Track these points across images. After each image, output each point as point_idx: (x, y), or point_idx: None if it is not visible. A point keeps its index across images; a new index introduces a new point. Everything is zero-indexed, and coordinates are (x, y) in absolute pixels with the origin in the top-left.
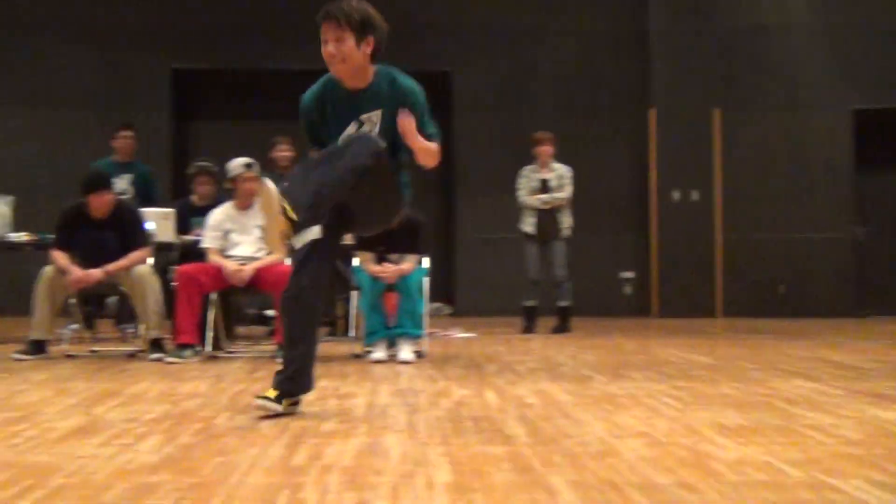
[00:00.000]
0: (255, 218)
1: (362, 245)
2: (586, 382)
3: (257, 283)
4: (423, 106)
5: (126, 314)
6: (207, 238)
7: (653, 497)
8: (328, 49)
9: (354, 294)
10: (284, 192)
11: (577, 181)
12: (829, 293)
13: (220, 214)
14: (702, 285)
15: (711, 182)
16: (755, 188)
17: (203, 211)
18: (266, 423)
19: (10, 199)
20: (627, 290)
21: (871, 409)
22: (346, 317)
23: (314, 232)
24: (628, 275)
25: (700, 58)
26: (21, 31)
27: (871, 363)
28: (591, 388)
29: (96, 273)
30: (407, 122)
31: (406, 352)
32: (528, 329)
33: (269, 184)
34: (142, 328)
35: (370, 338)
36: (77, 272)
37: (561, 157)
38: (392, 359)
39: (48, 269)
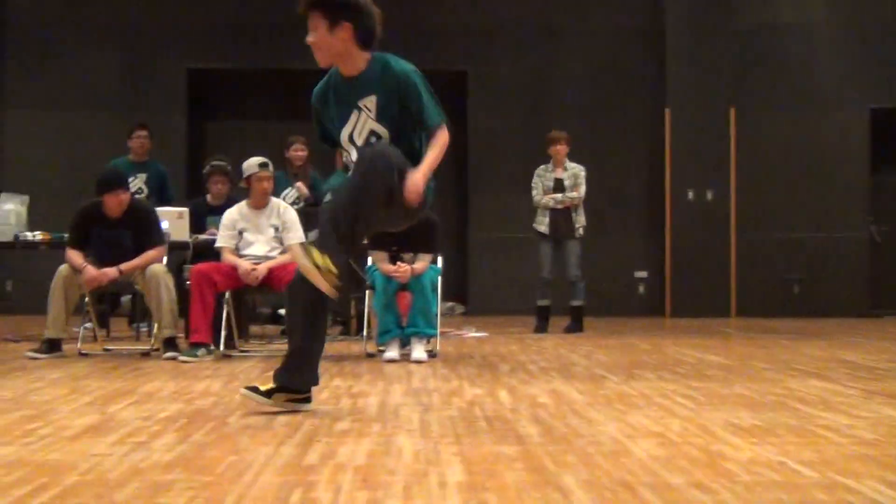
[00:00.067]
0: (270, 217)
1: (376, 244)
2: (599, 382)
3: (271, 283)
4: (420, 89)
5: (140, 313)
6: (221, 237)
7: (666, 497)
8: (307, 39)
9: (368, 293)
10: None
11: (592, 180)
12: (845, 293)
13: (234, 213)
14: (716, 285)
15: (726, 181)
16: (770, 187)
17: (218, 210)
18: (279, 422)
19: (25, 198)
20: (641, 289)
21: (886, 410)
22: (359, 316)
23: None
24: (642, 274)
25: (716, 57)
26: (37, 33)
27: (887, 363)
28: (605, 387)
29: (111, 272)
30: (413, 189)
31: (419, 351)
32: (542, 328)
33: (296, 249)
34: (155, 327)
35: (383, 337)
36: (92, 271)
37: (575, 157)
38: (405, 358)
39: (63, 268)
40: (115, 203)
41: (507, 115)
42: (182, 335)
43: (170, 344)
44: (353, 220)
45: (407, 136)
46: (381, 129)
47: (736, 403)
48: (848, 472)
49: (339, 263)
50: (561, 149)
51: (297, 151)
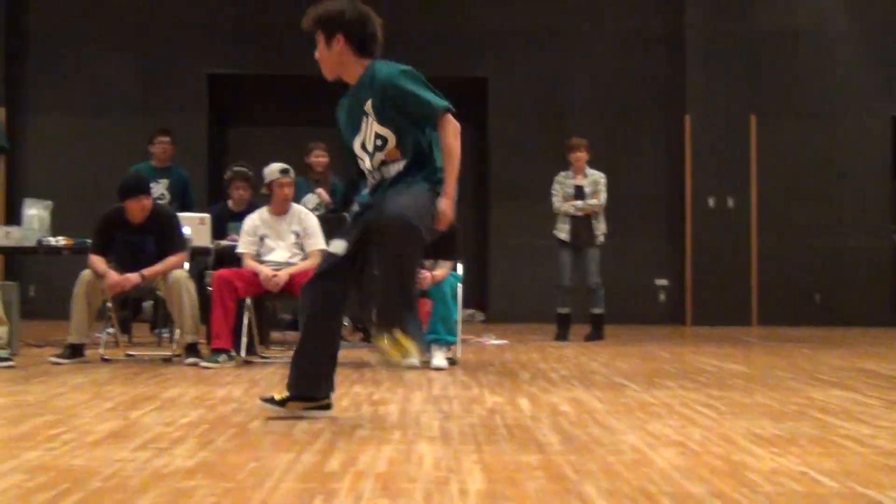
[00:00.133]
0: (291, 223)
1: None
2: (620, 391)
3: (292, 289)
4: (407, 88)
5: (161, 318)
6: (242, 243)
7: None
8: (315, 54)
9: None
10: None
11: (612, 188)
12: (867, 302)
13: (255, 219)
14: (737, 293)
15: (747, 189)
16: (791, 195)
17: (239, 216)
18: (300, 429)
19: (49, 203)
20: (662, 297)
21: None
22: None
23: (338, 246)
24: (663, 282)
25: (736, 63)
26: (59, 38)
27: None
28: (625, 396)
29: (133, 277)
30: (444, 220)
31: (439, 358)
32: (562, 336)
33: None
34: (177, 333)
35: None
36: (114, 276)
37: (596, 164)
38: (425, 365)
39: (86, 274)
40: (137, 209)
41: (527, 122)
42: (203, 341)
43: (191, 350)
44: (406, 294)
45: (412, 135)
46: (385, 132)
47: (757, 413)
48: (870, 483)
49: (413, 332)
50: (581, 156)
51: (318, 157)
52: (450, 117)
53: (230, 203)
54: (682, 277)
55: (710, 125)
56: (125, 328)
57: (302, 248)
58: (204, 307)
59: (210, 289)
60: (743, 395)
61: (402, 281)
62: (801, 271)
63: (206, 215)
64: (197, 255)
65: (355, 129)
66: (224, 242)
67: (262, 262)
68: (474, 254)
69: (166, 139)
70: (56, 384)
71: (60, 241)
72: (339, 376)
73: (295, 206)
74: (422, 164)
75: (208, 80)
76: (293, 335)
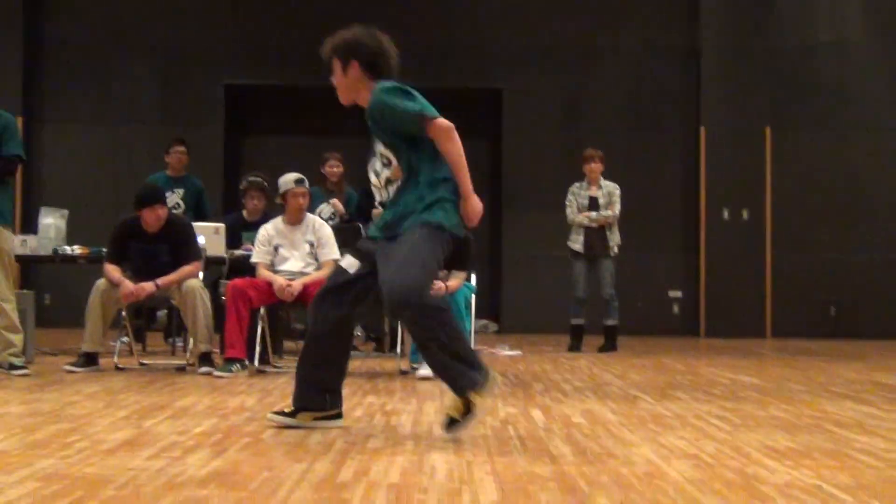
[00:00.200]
0: (305, 233)
1: None
2: (633, 402)
3: (305, 299)
4: (387, 104)
5: (175, 328)
6: (256, 253)
7: None
8: (332, 80)
9: None
10: None
11: (627, 199)
12: (882, 315)
13: (269, 229)
14: (751, 305)
15: (762, 201)
16: (806, 208)
17: (253, 226)
18: (313, 439)
19: (65, 212)
20: (676, 309)
21: None
22: (392, 333)
23: (350, 264)
24: (676, 294)
25: (751, 76)
26: (77, 48)
27: None
28: (638, 408)
29: (148, 286)
30: (474, 216)
31: None
32: (575, 347)
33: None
34: (191, 342)
35: (416, 355)
36: (129, 285)
37: (610, 175)
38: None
39: (101, 283)
40: (152, 218)
41: (541, 133)
42: (217, 350)
43: (205, 359)
44: (456, 360)
45: (406, 154)
46: (387, 152)
47: (771, 425)
48: (885, 497)
49: (485, 386)
50: (596, 167)
51: (333, 167)
52: (437, 121)
53: (245, 213)
54: (697, 289)
55: (725, 137)
56: (139, 337)
57: (316, 258)
58: (218, 316)
59: (224, 298)
60: (757, 408)
61: (444, 356)
62: (815, 283)
63: (221, 225)
64: (211, 264)
65: (372, 152)
66: (238, 252)
67: (276, 272)
68: (488, 264)
69: (182, 149)
70: (70, 392)
71: (76, 249)
72: (353, 386)
73: (309, 216)
74: (415, 183)
75: (225, 90)
76: None
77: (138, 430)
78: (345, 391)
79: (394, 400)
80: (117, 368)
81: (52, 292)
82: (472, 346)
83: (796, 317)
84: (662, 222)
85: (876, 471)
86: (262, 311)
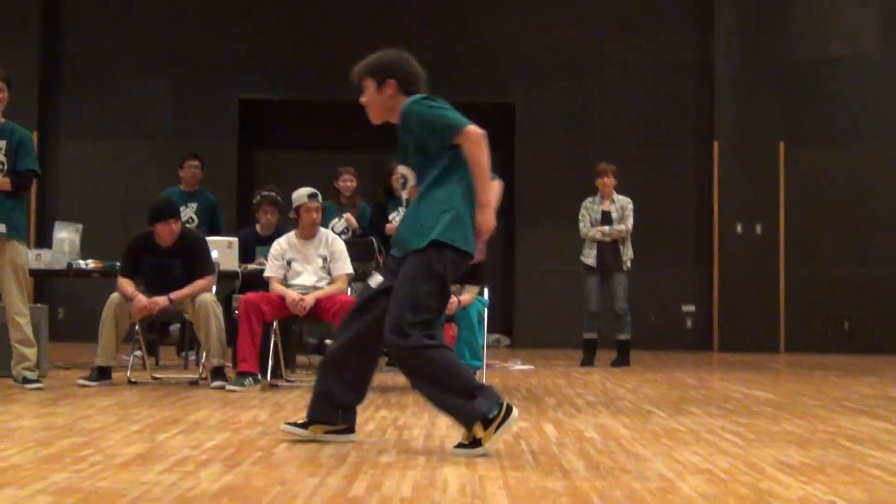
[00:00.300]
0: (318, 247)
1: None
2: (646, 417)
3: (318, 313)
4: (419, 116)
5: (188, 342)
6: (270, 267)
7: None
8: (361, 100)
9: None
10: None
11: (640, 213)
12: None
13: (282, 243)
14: (765, 320)
15: (776, 215)
16: (820, 222)
17: (267, 240)
18: (326, 453)
19: (79, 226)
20: (689, 323)
21: None
22: None
23: (377, 280)
24: (690, 308)
25: (765, 90)
26: (92, 63)
27: None
28: (651, 422)
29: (161, 301)
30: (486, 231)
31: None
32: (588, 362)
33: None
34: (203, 356)
35: None
36: (142, 300)
37: (623, 189)
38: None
39: (114, 297)
40: (166, 232)
41: (554, 147)
42: (230, 364)
43: (217, 373)
44: (452, 396)
45: (424, 172)
46: (406, 171)
47: (785, 440)
48: None
49: (490, 413)
50: (609, 181)
51: (346, 182)
52: (469, 128)
53: (258, 227)
54: (710, 303)
55: (738, 151)
56: (152, 351)
57: (329, 273)
58: (230, 331)
59: (237, 312)
60: (770, 423)
61: (436, 391)
62: (829, 298)
63: (234, 239)
64: (224, 278)
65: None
66: (251, 266)
67: (288, 286)
68: (500, 279)
69: (195, 163)
70: (83, 406)
71: (90, 263)
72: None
73: (322, 230)
74: (425, 199)
75: (239, 104)
76: (319, 359)
77: (151, 444)
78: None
79: (406, 414)
80: (130, 382)
81: (65, 306)
82: (485, 360)
83: (810, 331)
84: (675, 236)
85: (890, 486)
86: (274, 325)
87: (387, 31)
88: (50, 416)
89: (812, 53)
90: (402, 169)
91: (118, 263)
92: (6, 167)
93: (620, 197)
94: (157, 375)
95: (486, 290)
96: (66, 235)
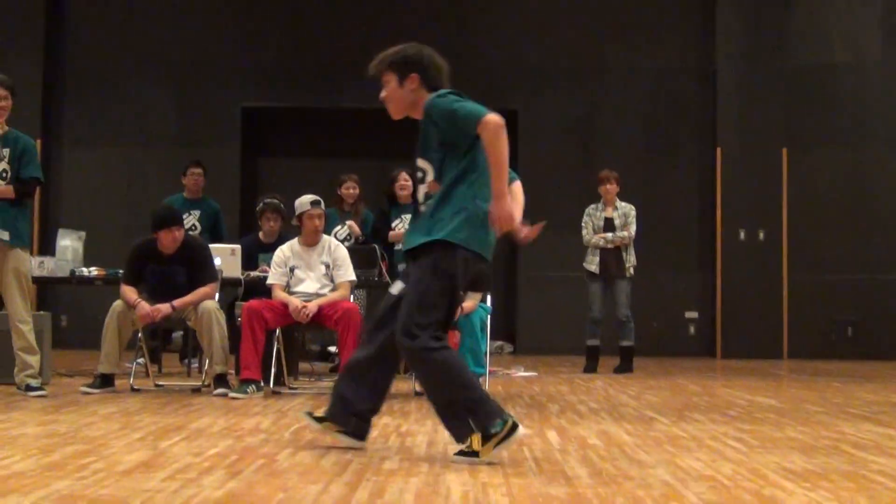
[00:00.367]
0: (321, 254)
1: None
2: (649, 424)
3: (321, 320)
4: (443, 110)
5: (191, 349)
6: (272, 274)
7: None
8: (381, 95)
9: None
10: None
11: (643, 220)
12: None
13: (285, 251)
14: (767, 326)
15: (778, 221)
16: (823, 228)
17: (270, 247)
18: (328, 460)
19: (82, 234)
20: (692, 330)
21: None
22: None
23: (399, 287)
24: (692, 315)
25: (767, 96)
26: (96, 70)
27: None
28: (655, 429)
29: (164, 308)
30: (501, 223)
31: None
32: (591, 368)
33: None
34: (206, 363)
35: None
36: (145, 307)
37: (626, 196)
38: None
39: (117, 304)
40: (169, 240)
41: (557, 154)
42: (232, 371)
43: (220, 380)
44: (455, 406)
45: (446, 167)
46: (424, 164)
47: (788, 447)
48: None
49: (492, 427)
50: (611, 188)
51: (349, 189)
52: (489, 116)
53: (261, 234)
54: (713, 310)
55: (741, 158)
56: (155, 358)
57: (332, 280)
58: (233, 338)
59: (239, 320)
60: (774, 429)
61: (442, 399)
62: (832, 304)
63: (237, 246)
64: (227, 286)
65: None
66: (254, 273)
67: (291, 294)
68: (503, 285)
69: (198, 171)
70: (86, 414)
71: (93, 271)
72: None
73: (325, 237)
74: (442, 196)
75: (242, 112)
76: (321, 366)
77: (154, 452)
78: None
79: (409, 421)
80: (133, 390)
81: (68, 314)
82: (488, 366)
83: (813, 337)
84: (678, 243)
85: (894, 493)
86: (277, 332)
87: (388, 38)
88: (53, 423)
89: (814, 59)
90: (420, 163)
91: (121, 271)
92: (9, 175)
93: (623, 204)
94: (160, 383)
95: (488, 297)
96: (69, 243)
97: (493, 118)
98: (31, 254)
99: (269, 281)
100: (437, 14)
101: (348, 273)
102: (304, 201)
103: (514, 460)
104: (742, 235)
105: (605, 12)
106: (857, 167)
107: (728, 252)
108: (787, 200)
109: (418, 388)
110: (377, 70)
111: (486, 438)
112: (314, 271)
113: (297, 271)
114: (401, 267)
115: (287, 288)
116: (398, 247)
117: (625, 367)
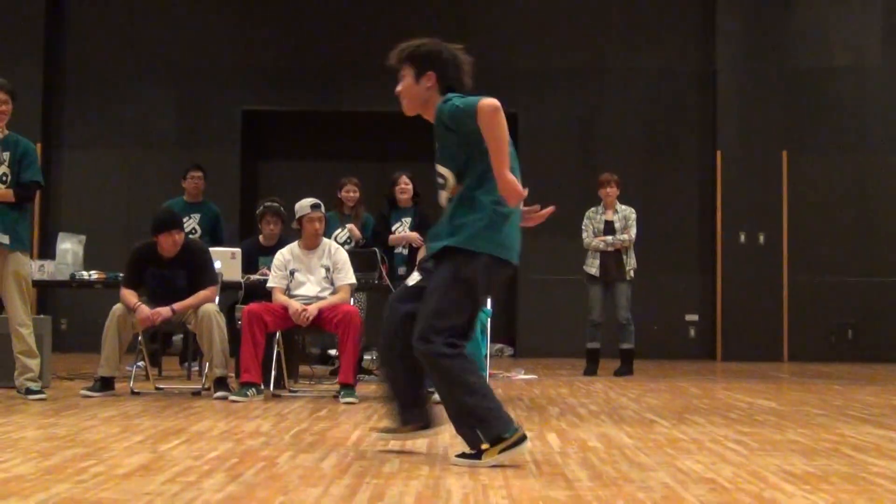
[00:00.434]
0: (321, 258)
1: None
2: (650, 426)
3: (321, 324)
4: (455, 117)
5: (191, 352)
6: (273, 277)
7: None
8: (396, 89)
9: None
10: None
11: (643, 223)
12: None
13: (285, 254)
14: (768, 329)
15: (779, 224)
16: (823, 231)
17: (270, 250)
18: (328, 463)
19: (82, 237)
20: (692, 332)
21: None
22: None
23: (416, 278)
24: (693, 318)
25: (768, 99)
26: (96, 73)
27: None
28: (655, 432)
29: (164, 311)
30: (510, 194)
31: None
32: (591, 371)
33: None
34: (206, 366)
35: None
36: (145, 310)
37: (626, 199)
38: None
39: (117, 308)
40: (169, 243)
41: (557, 157)
42: (232, 375)
43: (220, 383)
44: (467, 414)
45: (466, 171)
46: (443, 170)
47: (789, 450)
48: None
49: (502, 434)
50: (611, 191)
51: (350, 192)
52: (482, 103)
53: (261, 238)
54: (713, 313)
55: (741, 161)
56: (155, 361)
57: (332, 283)
58: (233, 341)
59: (240, 323)
60: (774, 432)
61: (454, 405)
62: (832, 307)
63: (237, 250)
64: (227, 289)
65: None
66: (254, 277)
67: (292, 297)
68: (503, 288)
69: (199, 174)
70: (86, 417)
71: (93, 274)
72: (368, 410)
73: (325, 240)
74: (460, 200)
75: (242, 115)
76: (322, 369)
77: (154, 455)
78: (359, 415)
79: None
80: (133, 393)
81: (68, 317)
82: (488, 369)
83: (813, 340)
84: (678, 246)
85: (894, 496)
86: (277, 335)
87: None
88: (53, 426)
89: (815, 62)
90: (440, 169)
91: (121, 274)
92: (10, 178)
93: (623, 207)
94: (160, 386)
95: (489, 300)
96: (69, 246)
97: (487, 101)
98: (32, 257)
99: (269, 284)
100: (437, 15)
101: (348, 276)
102: (304, 204)
103: (515, 462)
104: (742, 238)
105: (605, 14)
106: (858, 169)
107: (728, 254)
108: (787, 203)
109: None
110: (396, 60)
111: (493, 443)
112: (314, 274)
113: (297, 274)
114: (401, 270)
115: (287, 291)
116: (398, 250)
117: (625, 370)
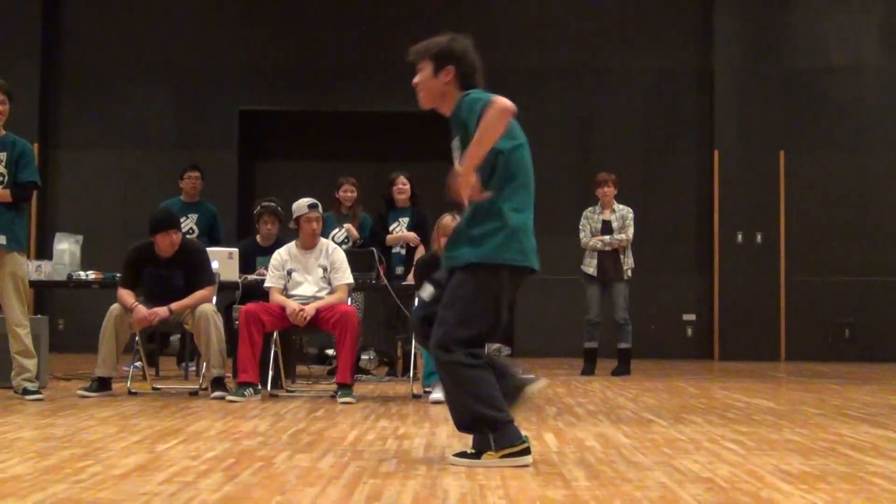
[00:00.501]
0: (318, 258)
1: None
2: (647, 426)
3: (318, 323)
4: (465, 102)
5: (188, 352)
6: (270, 277)
7: None
8: (414, 80)
9: None
10: None
11: (640, 222)
12: None
13: (283, 254)
14: (765, 328)
15: (776, 224)
16: (820, 230)
17: (267, 250)
18: (325, 463)
19: (79, 237)
20: (689, 332)
21: None
22: (405, 357)
23: (430, 292)
24: (690, 317)
25: (765, 99)
26: (93, 74)
27: None
28: (652, 431)
29: (161, 311)
30: (459, 186)
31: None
32: (589, 371)
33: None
34: (204, 366)
35: (429, 378)
36: (142, 310)
37: (623, 198)
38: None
39: (115, 308)
40: (166, 243)
41: (555, 157)
42: (230, 375)
43: (218, 383)
44: (472, 415)
45: (488, 177)
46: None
47: (786, 449)
48: None
49: (506, 441)
50: (609, 191)
51: (347, 192)
52: (497, 98)
53: (258, 238)
54: (710, 312)
55: (739, 160)
56: (152, 361)
57: (329, 283)
58: (231, 341)
59: (237, 323)
60: (771, 431)
61: (467, 414)
62: (830, 307)
63: (235, 250)
64: (224, 289)
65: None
66: (252, 277)
67: (289, 297)
68: None
69: (196, 174)
70: (83, 417)
71: (90, 274)
72: (365, 410)
73: (323, 240)
74: (490, 211)
75: (240, 115)
76: (319, 369)
77: (151, 455)
78: (356, 415)
79: (406, 424)
80: (130, 393)
81: (65, 317)
82: None
83: (811, 340)
84: (676, 245)
85: (891, 495)
86: (275, 335)
87: (387, 41)
88: (50, 426)
89: (812, 62)
90: (457, 165)
91: (118, 274)
92: (7, 179)
93: (621, 206)
94: (158, 386)
95: None
96: (66, 247)
97: (501, 99)
98: (29, 258)
99: (266, 284)
100: (437, 15)
101: (346, 276)
102: (301, 204)
103: None
104: (740, 237)
105: (604, 14)
106: (855, 169)
107: (726, 254)
108: (785, 203)
109: (416, 390)
110: (416, 57)
111: (500, 447)
112: (312, 274)
113: (294, 274)
114: (398, 270)
115: (284, 291)
116: (396, 250)
117: (622, 370)
